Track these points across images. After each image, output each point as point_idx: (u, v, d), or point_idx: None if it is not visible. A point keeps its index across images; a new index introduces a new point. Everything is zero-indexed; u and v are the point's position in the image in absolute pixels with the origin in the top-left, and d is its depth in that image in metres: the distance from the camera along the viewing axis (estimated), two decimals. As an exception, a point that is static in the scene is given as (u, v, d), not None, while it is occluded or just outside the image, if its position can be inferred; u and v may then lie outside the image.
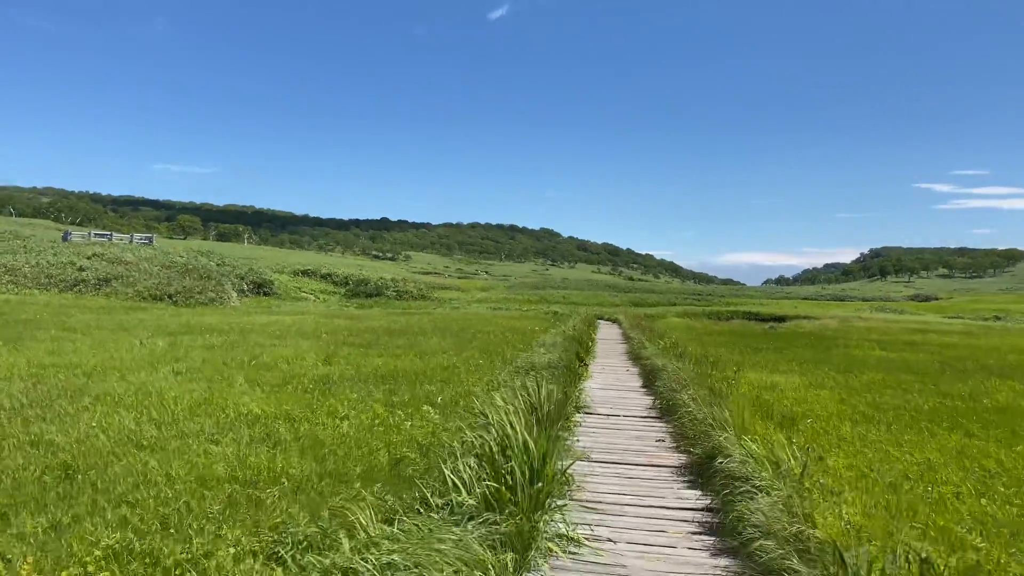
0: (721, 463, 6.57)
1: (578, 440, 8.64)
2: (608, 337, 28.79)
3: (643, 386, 14.17)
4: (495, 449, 5.43)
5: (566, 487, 6.01)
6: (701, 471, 7.13)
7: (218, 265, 62.57)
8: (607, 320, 44.05)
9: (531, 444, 5.39)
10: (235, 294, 54.50)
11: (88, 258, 52.20)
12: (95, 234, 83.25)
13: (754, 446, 6.75)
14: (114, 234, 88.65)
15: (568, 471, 6.01)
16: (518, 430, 5.55)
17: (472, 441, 5.85)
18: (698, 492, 6.79)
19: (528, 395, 7.39)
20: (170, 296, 43.31)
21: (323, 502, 6.07)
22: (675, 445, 8.81)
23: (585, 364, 15.28)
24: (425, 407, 10.47)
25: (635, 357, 18.87)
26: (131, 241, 78.85)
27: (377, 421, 9.78)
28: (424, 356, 18.18)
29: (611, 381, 14.77)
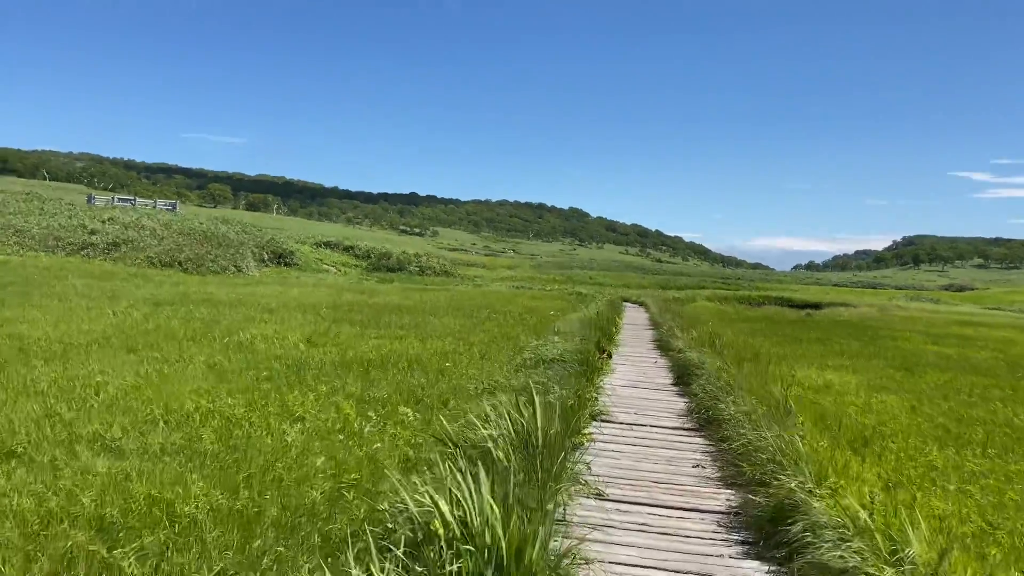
0: (800, 532, 4.47)
1: (590, 464, 6.53)
2: (634, 322, 26.56)
3: (674, 384, 11.99)
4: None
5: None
6: (765, 531, 5.01)
7: (238, 234, 61.23)
8: (633, 303, 41.75)
9: (498, 530, 3.33)
10: (254, 263, 53.10)
11: (103, 222, 50.85)
12: (119, 199, 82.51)
13: (847, 502, 4.62)
14: (137, 199, 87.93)
15: (567, 551, 3.89)
16: (475, 510, 3.49)
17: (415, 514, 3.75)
18: (765, 570, 4.67)
19: (522, 415, 5.31)
20: (180, 263, 41.74)
21: None
22: (720, 476, 6.66)
23: (607, 355, 13.13)
24: (404, 409, 8.42)
25: (664, 347, 16.67)
26: (154, 207, 77.96)
27: (339, 426, 7.75)
28: (427, 339, 16.18)
29: (636, 377, 12.61)
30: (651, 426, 8.65)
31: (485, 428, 5.03)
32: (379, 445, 6.91)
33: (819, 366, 16.35)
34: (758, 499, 5.40)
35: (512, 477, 4.15)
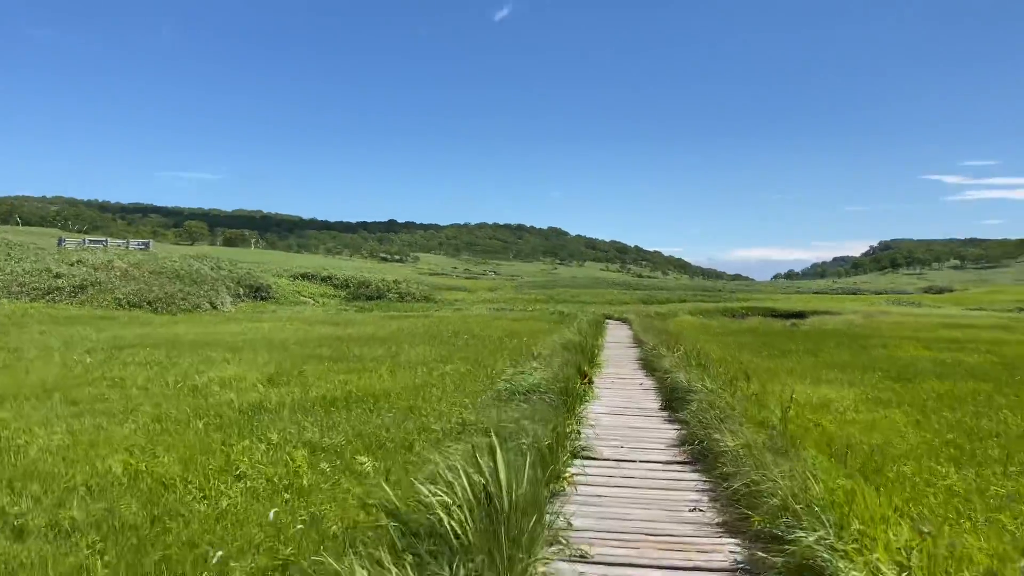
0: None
1: (572, 517, 5.65)
2: (617, 340, 25.76)
3: (663, 409, 11.14)
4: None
5: None
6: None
7: (213, 270, 60.12)
8: (616, 320, 40.97)
9: None
10: (230, 299, 52.11)
11: (70, 264, 49.55)
12: (90, 240, 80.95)
13: (876, 558, 3.79)
14: (109, 240, 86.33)
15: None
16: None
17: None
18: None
19: (483, 472, 4.43)
20: (149, 303, 40.59)
21: None
22: (721, 521, 5.79)
23: (589, 381, 12.27)
24: (362, 458, 7.50)
25: (650, 367, 15.84)
26: (127, 247, 76.54)
27: (285, 483, 6.84)
28: (399, 370, 15.28)
29: (622, 403, 11.75)
30: (640, 462, 7.77)
31: (437, 495, 4.16)
32: (325, 507, 6.00)
33: (813, 380, 15.59)
34: (770, 556, 4.55)
35: (463, 565, 3.30)
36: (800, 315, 52.79)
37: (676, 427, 9.58)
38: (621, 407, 11.27)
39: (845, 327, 39.80)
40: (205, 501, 6.26)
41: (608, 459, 7.83)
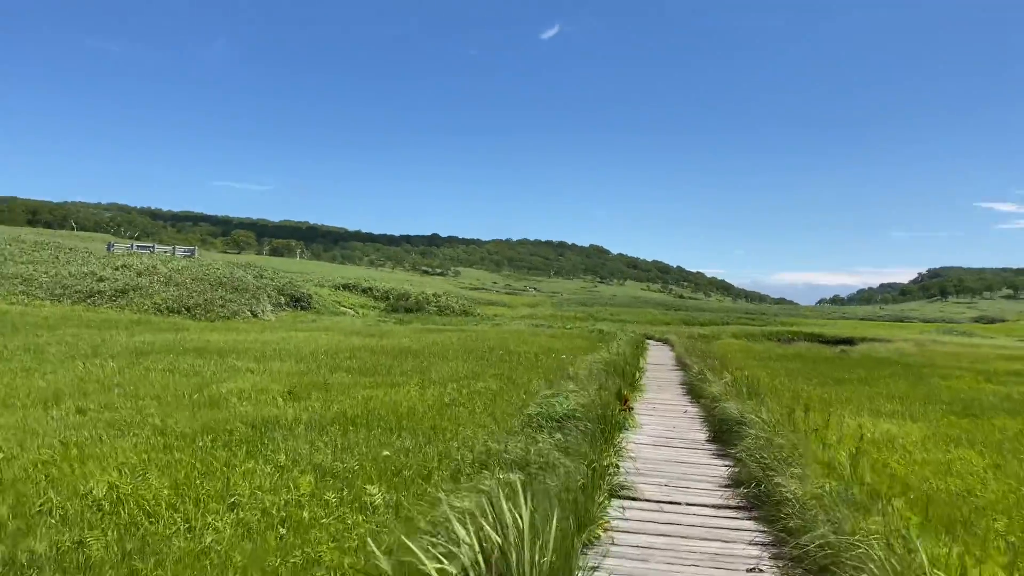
0: None
1: None
2: (659, 362, 24.69)
3: (710, 441, 10.15)
4: None
5: None
6: None
7: (255, 278, 60.29)
8: (657, 340, 39.84)
9: None
10: (271, 307, 52.04)
11: (115, 269, 50.01)
12: (138, 246, 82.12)
13: None
14: (156, 246, 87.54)
15: None
16: None
17: None
18: None
19: (502, 527, 3.57)
20: (188, 309, 40.51)
21: None
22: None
23: (629, 407, 11.33)
24: (372, 489, 6.68)
25: (695, 393, 14.82)
26: (173, 253, 77.42)
27: (283, 514, 6.06)
28: (428, 386, 14.50)
29: (665, 432, 10.79)
30: (687, 504, 6.83)
31: (439, 560, 3.32)
32: (322, 548, 5.19)
33: (871, 412, 14.42)
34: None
35: None
36: (849, 342, 50.93)
37: (726, 463, 8.61)
38: (664, 437, 10.32)
39: (897, 356, 38.05)
40: (188, 535, 5.49)
41: (650, 500, 6.90)
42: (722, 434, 9.90)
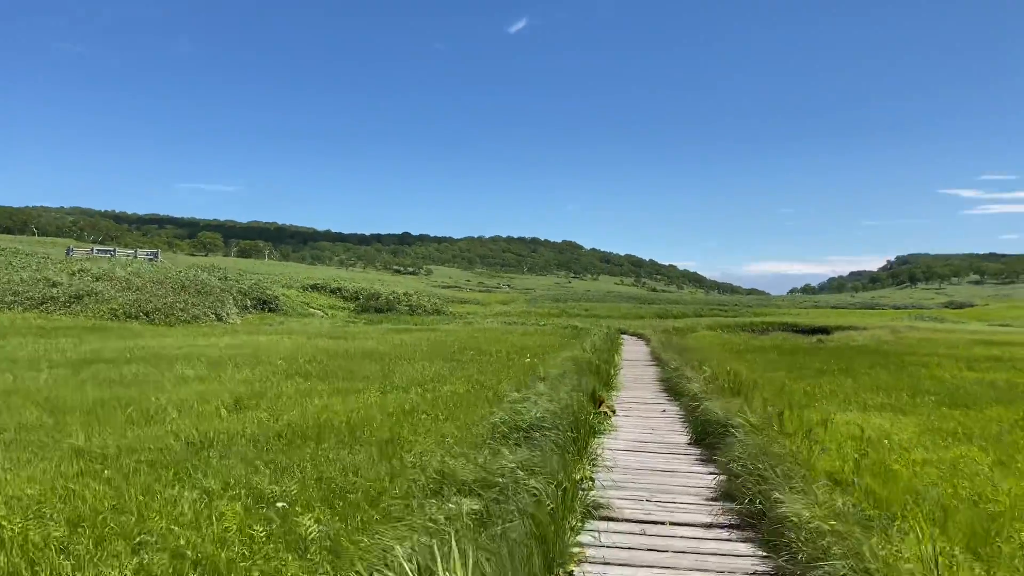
0: None
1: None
2: (634, 358, 23.92)
3: (693, 444, 9.33)
4: None
5: None
6: None
7: (220, 281, 58.76)
8: (632, 335, 39.13)
9: None
10: (236, 310, 50.64)
11: (71, 274, 48.30)
12: (98, 250, 79.94)
13: None
14: (117, 250, 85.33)
15: None
16: None
17: None
18: None
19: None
20: (147, 314, 39.08)
21: None
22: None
23: (605, 409, 10.47)
24: (307, 522, 5.73)
25: (674, 391, 14.02)
26: (135, 256, 75.43)
27: (199, 555, 5.11)
28: (390, 391, 13.57)
29: (643, 435, 9.95)
30: (671, 524, 5.98)
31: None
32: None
33: (859, 406, 13.73)
34: None
35: None
36: (824, 331, 50.65)
37: (712, 470, 7.77)
38: (642, 441, 9.47)
39: (874, 343, 37.74)
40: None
41: (630, 520, 6.03)
42: (705, 436, 9.07)
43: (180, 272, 57.68)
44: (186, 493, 6.62)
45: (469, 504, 4.93)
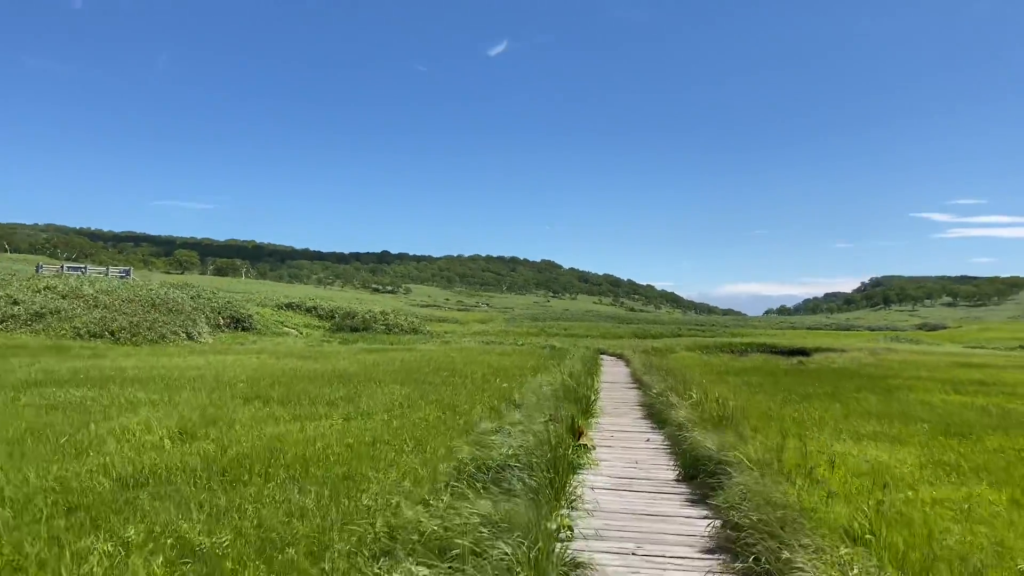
0: None
1: None
2: (615, 380, 23.14)
3: (681, 480, 8.51)
4: None
5: None
6: None
7: (192, 299, 57.35)
8: (611, 355, 38.36)
9: None
10: (208, 329, 49.32)
11: (37, 291, 46.81)
12: (69, 267, 78.20)
13: None
14: (88, 267, 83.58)
15: None
16: None
17: None
18: None
19: None
20: (112, 333, 37.76)
21: None
22: None
23: (584, 442, 9.63)
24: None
25: (658, 418, 13.21)
26: (106, 274, 73.78)
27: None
28: (355, 418, 12.67)
29: (626, 469, 9.11)
30: (664, 582, 5.14)
31: None
32: None
33: (851, 435, 13.00)
34: None
35: None
36: (804, 352, 50.16)
37: (705, 513, 6.95)
38: (626, 478, 8.63)
39: (855, 366, 37.28)
40: None
41: (615, 578, 5.19)
42: (696, 473, 8.26)
43: (151, 290, 56.29)
44: (100, 545, 5.70)
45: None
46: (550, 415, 9.97)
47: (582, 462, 8.87)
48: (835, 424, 14.29)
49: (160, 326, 41.66)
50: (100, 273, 74.27)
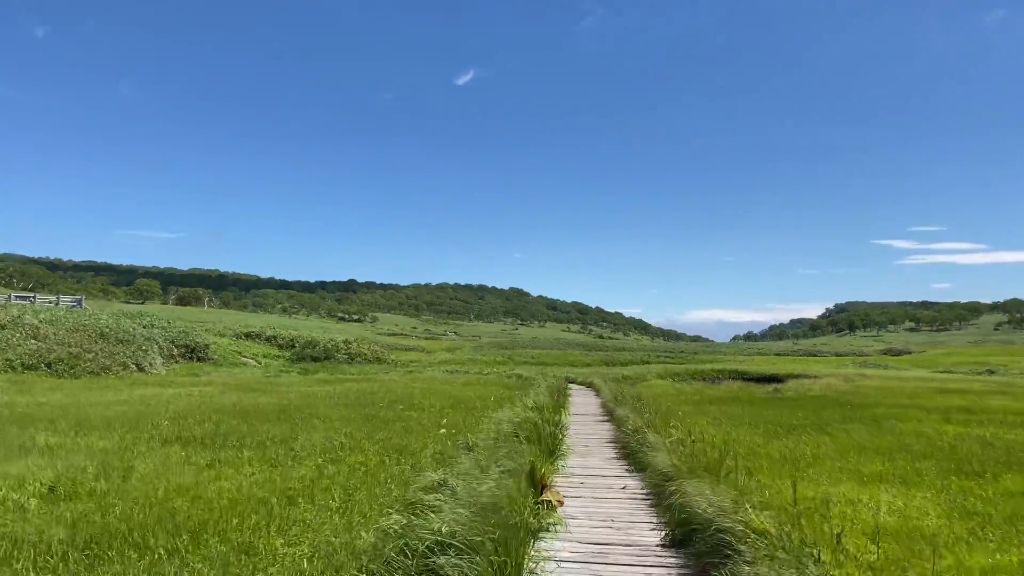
0: None
1: None
2: (584, 412, 21.49)
3: (668, 546, 6.86)
4: None
5: None
6: None
7: (145, 328, 54.78)
8: (580, 384, 36.72)
9: None
10: (160, 360, 46.82)
11: (-26, 322, 44.05)
12: (16, 296, 74.85)
13: None
14: (37, 296, 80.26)
15: None
16: None
17: None
18: None
19: None
20: (48, 365, 35.31)
21: None
22: None
23: (548, 499, 7.93)
24: None
25: (633, 458, 11.53)
26: (57, 304, 70.70)
27: None
28: (283, 463, 10.87)
29: (600, 534, 7.43)
30: None
31: None
32: None
33: (853, 476, 11.47)
34: None
35: None
36: (777, 379, 48.96)
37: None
38: (601, 543, 6.94)
39: (832, 393, 36.04)
40: None
41: None
42: (687, 539, 6.60)
43: (101, 319, 53.62)
44: None
45: None
46: (508, 462, 8.25)
47: (545, 523, 7.17)
48: (831, 462, 12.75)
49: (104, 357, 39.22)
50: (49, 303, 71.21)
